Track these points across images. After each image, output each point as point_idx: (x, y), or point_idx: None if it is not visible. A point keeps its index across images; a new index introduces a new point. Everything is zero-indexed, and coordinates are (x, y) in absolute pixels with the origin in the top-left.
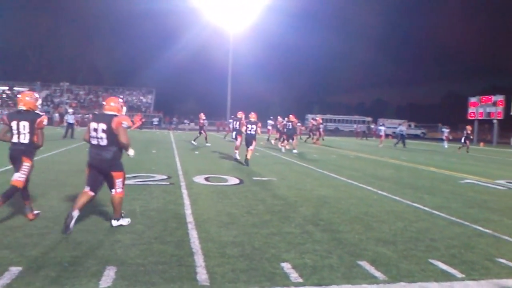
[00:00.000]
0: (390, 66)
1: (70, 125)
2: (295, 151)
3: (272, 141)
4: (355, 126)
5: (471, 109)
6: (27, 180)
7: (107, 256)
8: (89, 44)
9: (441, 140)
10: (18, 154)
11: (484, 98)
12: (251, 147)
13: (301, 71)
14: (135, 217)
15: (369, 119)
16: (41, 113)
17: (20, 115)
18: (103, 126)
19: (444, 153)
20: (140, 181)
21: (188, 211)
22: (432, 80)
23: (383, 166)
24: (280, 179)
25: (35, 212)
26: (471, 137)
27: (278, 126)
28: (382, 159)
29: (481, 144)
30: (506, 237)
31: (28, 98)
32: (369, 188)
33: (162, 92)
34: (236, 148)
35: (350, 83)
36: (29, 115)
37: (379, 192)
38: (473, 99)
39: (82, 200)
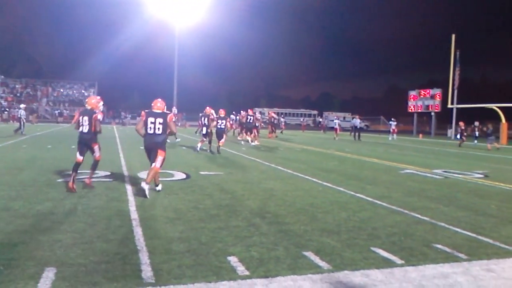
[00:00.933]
0: (335, 60)
1: (19, 120)
2: (254, 143)
3: (239, 137)
4: (301, 119)
5: (411, 102)
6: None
7: (46, 257)
8: (25, 34)
9: (388, 132)
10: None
11: (423, 92)
12: (222, 140)
13: (248, 65)
14: (76, 215)
15: (315, 112)
16: (97, 111)
17: (85, 112)
18: (160, 120)
19: (385, 145)
20: (81, 178)
21: (132, 207)
22: (375, 74)
23: (328, 158)
24: (227, 173)
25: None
26: (465, 133)
27: (241, 119)
28: (328, 151)
29: (420, 135)
30: (443, 224)
31: (94, 100)
32: (314, 180)
33: (105, 86)
34: (201, 142)
35: (296, 77)
36: (90, 112)
37: (324, 183)
38: (412, 93)
39: (151, 174)
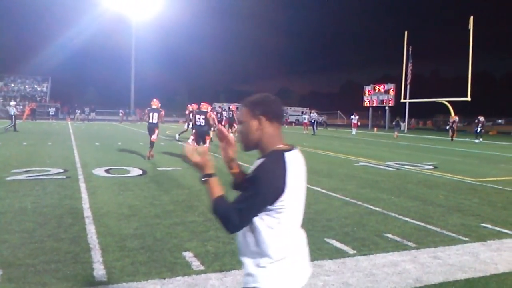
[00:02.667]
0: (294, 56)
1: (11, 117)
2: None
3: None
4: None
5: (366, 97)
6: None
7: None
8: None
9: (346, 126)
10: (153, 127)
11: (377, 87)
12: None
13: (207, 60)
14: (26, 215)
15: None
16: (161, 109)
17: (153, 110)
18: (203, 116)
19: (341, 138)
20: (32, 176)
21: (85, 205)
22: (332, 69)
23: None
24: (185, 168)
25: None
26: (454, 126)
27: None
28: None
29: (375, 129)
30: (393, 214)
31: (156, 102)
32: None
33: (59, 81)
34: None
35: (256, 72)
36: (157, 110)
37: None
38: (368, 88)
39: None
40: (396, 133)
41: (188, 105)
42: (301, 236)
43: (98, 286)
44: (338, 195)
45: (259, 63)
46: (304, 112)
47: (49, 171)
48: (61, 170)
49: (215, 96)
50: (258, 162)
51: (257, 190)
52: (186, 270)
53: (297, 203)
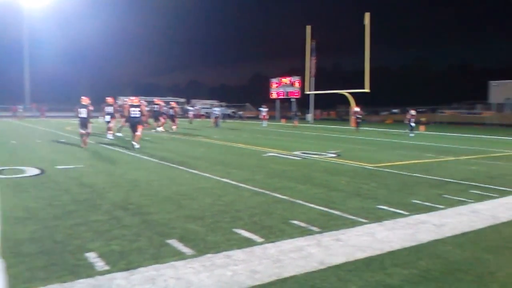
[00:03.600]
0: (203, 48)
1: None
2: (173, 128)
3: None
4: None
5: (273, 89)
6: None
7: None
8: None
9: (257, 118)
10: (84, 122)
11: (283, 79)
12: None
13: (111, 52)
14: None
15: (183, 100)
16: (90, 105)
17: (82, 106)
18: (137, 109)
19: (251, 130)
20: None
21: None
22: (241, 62)
23: (196, 145)
24: (88, 166)
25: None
26: (359, 116)
27: (160, 110)
28: (195, 139)
29: (283, 120)
30: (300, 201)
31: (86, 99)
32: (181, 167)
33: None
34: (109, 129)
35: (164, 64)
36: (85, 106)
37: (191, 170)
38: (274, 80)
39: (137, 138)
40: (295, 122)
41: (107, 98)
42: None
43: None
44: (247, 186)
45: (168, 56)
46: (214, 105)
47: None
48: None
49: (120, 89)
50: None
51: None
52: (89, 271)
53: None
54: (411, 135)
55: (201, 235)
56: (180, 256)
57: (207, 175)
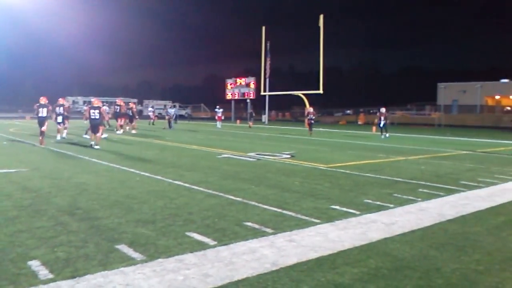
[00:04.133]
0: (155, 48)
1: None
2: (133, 131)
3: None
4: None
5: (228, 90)
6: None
7: None
8: None
9: (206, 119)
10: (43, 120)
11: (238, 80)
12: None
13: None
14: None
15: (134, 100)
16: (49, 104)
17: (42, 105)
18: (97, 110)
19: (205, 132)
20: None
21: None
22: (195, 62)
23: (147, 147)
24: (32, 170)
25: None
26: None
27: (121, 111)
28: (147, 140)
29: (238, 121)
30: (253, 203)
31: (44, 99)
32: (132, 170)
33: None
34: (58, 131)
35: (115, 64)
36: (45, 106)
37: (142, 173)
38: (229, 81)
39: (98, 139)
40: (250, 123)
41: (60, 99)
42: None
43: None
44: (200, 188)
45: (118, 55)
46: (168, 106)
47: None
48: None
49: (68, 89)
50: None
51: None
52: (32, 280)
53: None
54: (383, 137)
55: (152, 240)
56: (130, 261)
57: (159, 177)
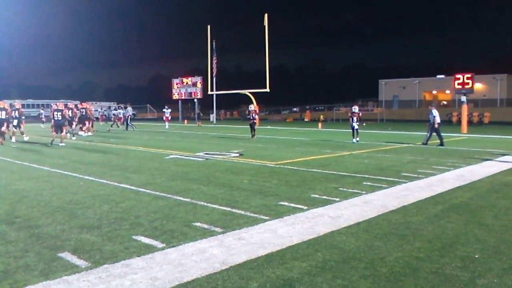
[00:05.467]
0: (98, 48)
1: None
2: (89, 133)
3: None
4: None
5: (175, 90)
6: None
7: None
8: None
9: (152, 120)
10: (2, 121)
11: (185, 80)
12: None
13: None
14: None
15: (76, 102)
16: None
17: (1, 109)
18: (60, 113)
19: (152, 132)
20: None
21: None
22: (140, 62)
23: (91, 150)
24: None
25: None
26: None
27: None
28: (91, 143)
29: (185, 121)
30: (202, 203)
31: (2, 102)
32: (75, 175)
33: None
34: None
35: (56, 65)
36: (4, 109)
37: (86, 177)
38: (176, 80)
39: (63, 137)
40: (199, 123)
41: (16, 103)
42: None
43: None
44: (147, 190)
45: (59, 56)
46: (114, 107)
47: None
48: None
49: (5, 92)
50: None
51: None
52: None
53: None
54: (354, 141)
55: (97, 245)
56: (74, 269)
57: (104, 181)
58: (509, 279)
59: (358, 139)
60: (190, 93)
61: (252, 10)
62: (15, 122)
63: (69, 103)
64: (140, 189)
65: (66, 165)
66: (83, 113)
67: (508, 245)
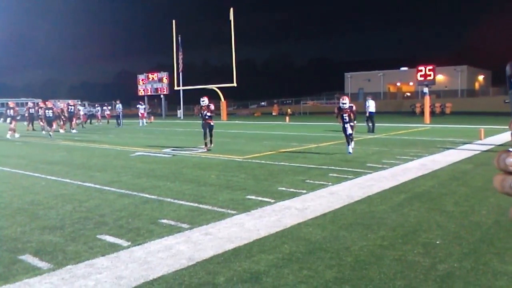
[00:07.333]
0: (60, 45)
1: None
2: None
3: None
4: (24, 109)
5: (140, 86)
6: None
7: None
8: None
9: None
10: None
11: (150, 75)
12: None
13: None
14: None
15: (38, 100)
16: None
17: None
18: (50, 111)
19: (116, 129)
20: None
21: None
22: (104, 58)
23: (53, 149)
24: None
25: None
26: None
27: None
28: (53, 142)
29: (152, 118)
30: (169, 199)
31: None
32: (36, 174)
33: None
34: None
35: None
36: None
37: (48, 177)
38: (141, 76)
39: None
40: (151, 118)
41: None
42: None
43: None
44: (112, 188)
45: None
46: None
47: None
48: None
49: None
50: None
51: None
52: None
53: None
54: (350, 150)
55: (60, 246)
56: (35, 272)
57: (67, 180)
58: (469, 263)
59: (352, 145)
60: (156, 89)
61: (218, 4)
62: (8, 120)
63: (69, 102)
64: (104, 187)
65: (27, 165)
66: (71, 110)
67: (467, 230)
